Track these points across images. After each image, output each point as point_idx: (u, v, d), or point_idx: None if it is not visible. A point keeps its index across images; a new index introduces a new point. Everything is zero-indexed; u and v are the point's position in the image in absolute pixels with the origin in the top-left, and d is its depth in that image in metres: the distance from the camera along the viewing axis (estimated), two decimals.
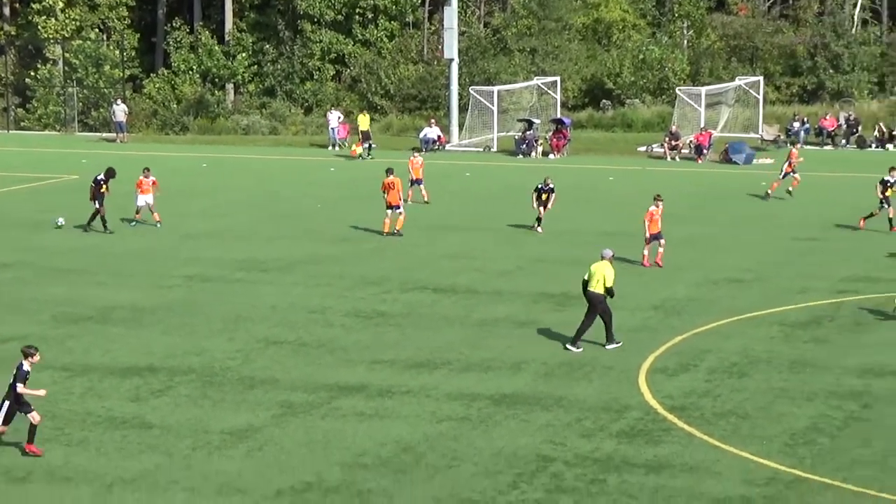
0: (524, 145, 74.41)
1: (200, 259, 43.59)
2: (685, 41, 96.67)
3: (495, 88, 79.13)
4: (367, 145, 73.48)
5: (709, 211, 53.85)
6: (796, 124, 78.91)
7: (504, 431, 25.78)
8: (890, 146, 76.22)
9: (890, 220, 48.02)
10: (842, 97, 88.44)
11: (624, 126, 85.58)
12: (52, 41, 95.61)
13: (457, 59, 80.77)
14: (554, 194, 48.23)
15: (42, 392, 24.53)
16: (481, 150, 76.60)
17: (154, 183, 49.79)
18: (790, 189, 56.05)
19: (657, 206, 42.23)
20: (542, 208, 48.06)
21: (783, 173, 56.22)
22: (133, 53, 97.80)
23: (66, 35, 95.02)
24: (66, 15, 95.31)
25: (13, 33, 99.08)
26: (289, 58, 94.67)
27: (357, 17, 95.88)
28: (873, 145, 76.78)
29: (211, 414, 26.89)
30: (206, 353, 31.59)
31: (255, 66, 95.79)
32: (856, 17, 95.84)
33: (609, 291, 31.79)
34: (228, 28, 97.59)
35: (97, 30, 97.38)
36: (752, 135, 79.09)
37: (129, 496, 22.36)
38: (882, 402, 27.65)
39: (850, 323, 34.62)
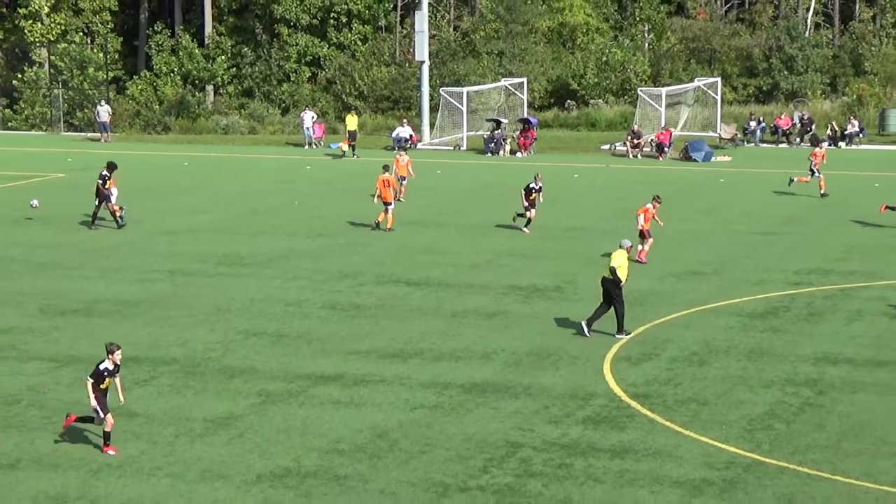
0: (493, 144, 74.43)
1: (182, 254, 43.48)
2: (646, 44, 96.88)
3: (464, 89, 79.12)
4: (352, 145, 73.36)
5: (669, 206, 53.83)
6: (753, 123, 79.11)
7: (475, 418, 25.78)
8: (842, 144, 76.47)
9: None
10: (796, 97, 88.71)
11: (588, 125, 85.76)
12: (38, 44, 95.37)
13: (427, 62, 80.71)
14: (541, 193, 47.63)
15: (93, 402, 23.57)
16: (452, 148, 76.57)
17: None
18: (822, 192, 55.30)
19: (654, 206, 41.92)
20: (531, 209, 46.96)
21: (812, 173, 55.56)
22: (116, 56, 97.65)
23: (52, 38, 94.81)
24: (52, 19, 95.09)
25: (0, 37, 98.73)
26: (266, 60, 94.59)
27: (332, 21, 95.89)
28: (826, 143, 76.95)
29: (193, 402, 26.84)
30: (188, 345, 31.52)
31: (234, 69, 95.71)
32: (809, 21, 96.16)
33: (613, 273, 31.67)
34: (208, 32, 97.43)
35: (82, 33, 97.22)
36: (711, 133, 79.23)
37: (114, 482, 22.30)
38: (835, 389, 27.74)
39: (805, 313, 34.72)
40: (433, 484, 22.20)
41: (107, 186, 47.85)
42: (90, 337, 32.22)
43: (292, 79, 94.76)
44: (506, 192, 57.99)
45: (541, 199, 47.68)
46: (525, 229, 46.93)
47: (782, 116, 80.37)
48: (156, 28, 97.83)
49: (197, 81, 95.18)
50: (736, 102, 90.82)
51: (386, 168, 48.44)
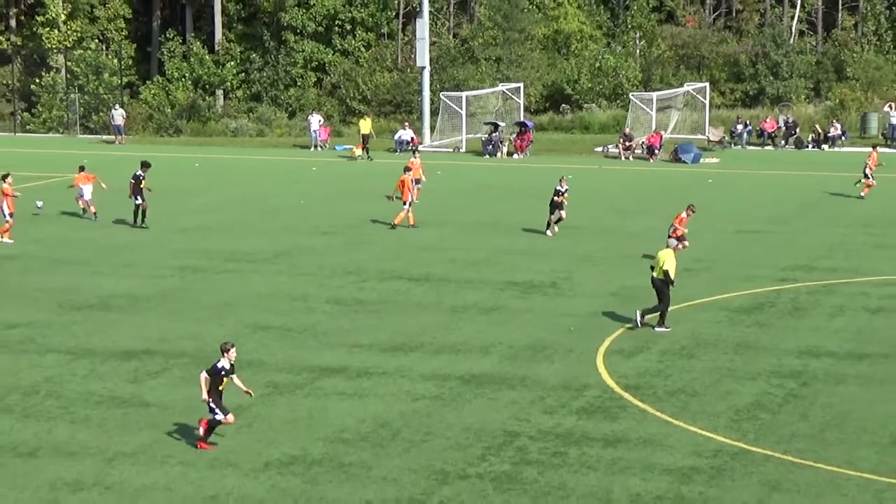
0: (490, 146, 74.46)
1: (192, 251, 43.48)
2: (637, 50, 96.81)
3: (464, 94, 79.07)
4: (365, 148, 73.32)
5: (660, 206, 53.83)
6: (739, 127, 79.12)
7: (473, 409, 25.79)
8: (825, 146, 76.47)
9: None
10: (781, 102, 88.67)
11: (582, 128, 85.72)
12: (55, 51, 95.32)
13: (428, 67, 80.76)
14: (567, 196, 46.09)
15: (205, 396, 23.32)
16: (451, 150, 76.55)
17: (90, 178, 51.01)
18: (862, 193, 55.15)
19: (688, 214, 41.57)
20: (559, 210, 45.82)
21: (867, 175, 55.35)
22: (130, 62, 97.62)
23: (69, 45, 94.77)
24: (69, 27, 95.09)
25: (19, 43, 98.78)
26: (274, 66, 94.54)
27: (336, 28, 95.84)
28: (810, 146, 77.02)
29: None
30: (199, 338, 31.52)
31: (243, 74, 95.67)
32: (793, 29, 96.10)
33: (666, 275, 31.83)
34: (218, 39, 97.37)
35: (97, 40, 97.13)
36: (700, 136, 79.19)
37: (128, 469, 22.31)
38: (818, 381, 27.76)
39: (790, 308, 34.73)
40: (434, 471, 22.21)
41: (142, 185, 47.77)
42: (105, 330, 32.25)
43: (299, 84, 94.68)
44: (504, 193, 58.12)
45: (566, 201, 46.13)
46: (548, 232, 45.98)
47: (768, 120, 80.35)
48: (168, 35, 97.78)
49: (207, 86, 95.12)
50: (723, 106, 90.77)
51: (407, 169, 48.79)
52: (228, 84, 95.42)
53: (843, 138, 77.48)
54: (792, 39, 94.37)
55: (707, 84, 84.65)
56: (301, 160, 73.00)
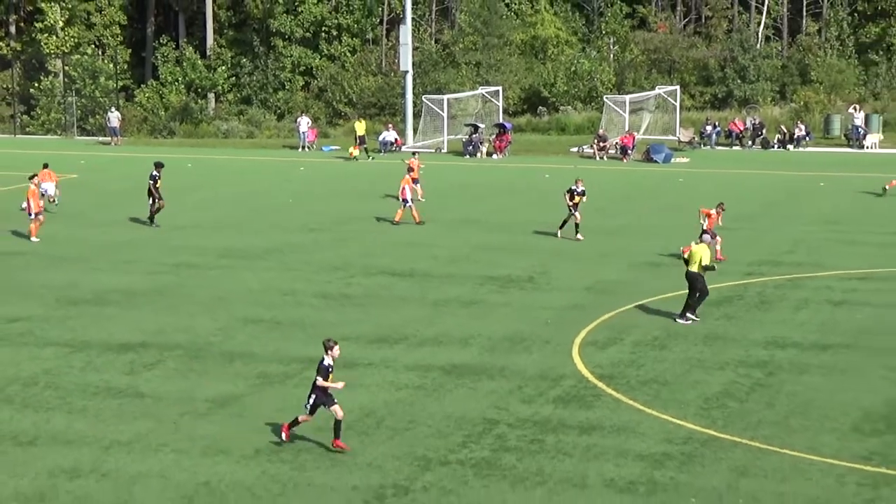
0: (471, 146, 74.51)
1: (186, 248, 43.39)
2: (611, 55, 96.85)
3: (445, 97, 79.13)
4: (364, 148, 73.29)
5: (633, 204, 53.99)
6: (709, 128, 79.28)
7: (454, 398, 25.78)
8: (790, 147, 76.64)
9: None
10: (748, 104, 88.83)
11: (558, 129, 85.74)
12: (53, 56, 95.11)
13: (411, 71, 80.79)
14: (585, 197, 44.46)
15: (340, 384, 22.58)
16: (433, 150, 76.56)
17: (53, 177, 52.43)
18: (886, 186, 55.01)
19: (718, 212, 40.58)
20: (575, 211, 44.00)
21: None
22: (125, 67, 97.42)
23: (66, 50, 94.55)
24: (66, 33, 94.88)
25: (19, 49, 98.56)
26: (263, 70, 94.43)
27: (323, 34, 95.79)
28: (776, 146, 77.18)
29: (196, 384, 26.79)
30: (192, 331, 31.46)
31: (234, 78, 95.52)
32: (760, 34, 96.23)
33: (706, 268, 31.92)
34: (210, 44, 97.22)
35: (93, 46, 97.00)
36: (671, 137, 79.32)
37: (124, 457, 22.26)
38: (783, 371, 27.81)
39: (757, 301, 34.78)
40: (416, 458, 22.20)
41: (158, 185, 47.69)
42: (102, 324, 32.17)
43: (287, 87, 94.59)
44: (483, 191, 58.14)
45: (583, 201, 44.48)
46: (579, 236, 44.19)
47: (736, 121, 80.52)
48: (161, 41, 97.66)
49: (199, 90, 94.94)
50: (693, 108, 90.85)
51: (409, 170, 49.08)
52: (220, 87, 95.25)
53: (808, 139, 77.68)
54: (758, 44, 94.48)
55: (678, 87, 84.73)
56: (290, 161, 72.91)
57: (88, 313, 33.52)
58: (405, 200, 47.95)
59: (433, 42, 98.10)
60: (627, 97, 79.80)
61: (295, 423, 23.04)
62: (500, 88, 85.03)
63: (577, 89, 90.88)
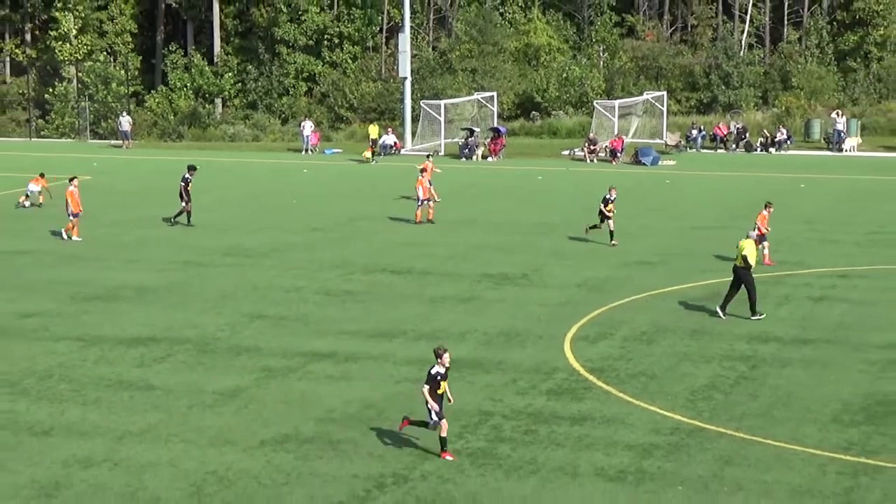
0: (467, 150, 74.51)
1: (194, 247, 43.36)
2: (601, 62, 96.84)
3: (442, 102, 79.12)
4: (376, 150, 73.22)
5: (622, 205, 53.88)
6: (694, 132, 79.32)
7: (452, 390, 25.72)
8: (773, 150, 76.66)
9: None
10: (732, 109, 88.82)
11: (550, 133, 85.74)
12: (67, 63, 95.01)
13: (410, 78, 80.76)
14: (613, 205, 42.92)
15: (431, 403, 21.54)
16: (431, 153, 76.47)
17: (44, 183, 53.30)
18: None
19: (768, 211, 39.36)
20: (608, 219, 42.68)
21: None
22: (136, 73, 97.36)
23: (80, 57, 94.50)
24: (80, 40, 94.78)
25: (34, 56, 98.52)
26: (268, 77, 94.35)
27: (326, 42, 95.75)
28: (758, 149, 77.22)
29: (204, 377, 26.77)
30: (200, 326, 31.44)
31: (240, 84, 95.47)
32: (743, 42, 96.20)
33: (745, 261, 31.73)
34: (217, 51, 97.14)
35: (105, 53, 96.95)
36: (658, 140, 79.34)
37: (135, 447, 22.24)
38: (766, 364, 27.81)
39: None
40: (415, 448, 22.18)
41: (189, 188, 47.75)
42: (114, 319, 32.14)
43: (291, 93, 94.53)
44: (479, 193, 58.12)
45: (613, 210, 43.16)
46: (614, 241, 42.85)
47: (720, 125, 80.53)
48: (171, 48, 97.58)
49: (207, 95, 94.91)
50: (680, 113, 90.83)
51: (423, 171, 49.03)
52: (226, 93, 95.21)
53: (789, 142, 77.74)
54: (742, 52, 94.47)
55: (665, 93, 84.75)
56: (294, 163, 72.86)
57: (101, 309, 33.49)
58: (426, 200, 48.07)
59: (431, 49, 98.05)
60: (616, 102, 79.79)
61: (440, 439, 21.82)
62: (494, 94, 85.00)
63: (569, 95, 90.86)
